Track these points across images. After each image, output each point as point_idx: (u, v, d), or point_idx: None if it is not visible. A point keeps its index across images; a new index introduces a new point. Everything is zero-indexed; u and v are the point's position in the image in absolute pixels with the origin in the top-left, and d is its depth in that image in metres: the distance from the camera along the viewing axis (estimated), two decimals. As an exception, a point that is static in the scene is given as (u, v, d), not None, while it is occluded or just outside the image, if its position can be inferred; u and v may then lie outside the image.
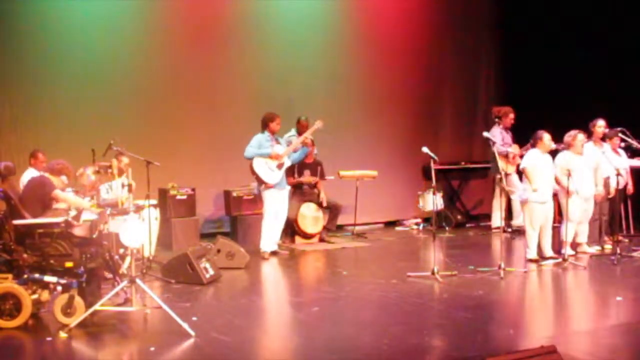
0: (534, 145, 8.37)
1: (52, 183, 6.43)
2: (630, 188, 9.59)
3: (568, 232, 8.33)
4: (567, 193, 8.12)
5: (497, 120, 10.55)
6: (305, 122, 9.70)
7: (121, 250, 7.02)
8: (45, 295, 6.04)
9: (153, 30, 10.29)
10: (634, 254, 8.63)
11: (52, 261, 5.93)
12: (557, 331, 5.97)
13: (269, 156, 8.76)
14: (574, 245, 8.67)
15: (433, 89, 12.24)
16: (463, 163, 12.24)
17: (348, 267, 8.56)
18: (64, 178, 7.25)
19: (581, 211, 8.50)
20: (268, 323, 6.47)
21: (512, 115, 10.46)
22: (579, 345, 5.43)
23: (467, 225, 11.57)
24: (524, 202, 8.26)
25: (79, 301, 5.75)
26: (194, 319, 5.95)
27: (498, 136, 10.07)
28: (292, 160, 9.09)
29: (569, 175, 8.08)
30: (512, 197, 9.84)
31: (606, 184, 8.85)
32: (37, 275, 5.90)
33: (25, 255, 5.94)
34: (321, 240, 9.97)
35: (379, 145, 11.56)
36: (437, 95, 12.30)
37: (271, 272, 8.57)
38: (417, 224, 11.53)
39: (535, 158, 8.23)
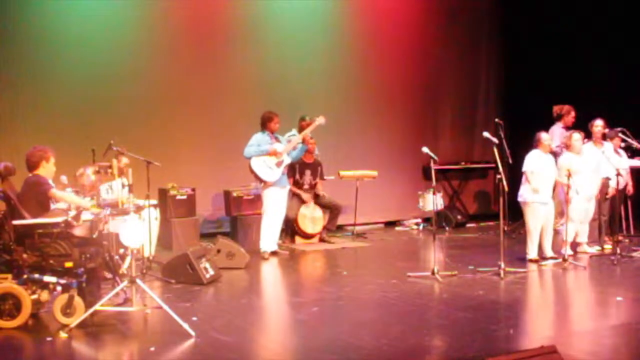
0: (534, 147, 8.35)
1: (47, 182, 6.39)
2: (630, 188, 9.58)
3: (569, 232, 8.32)
4: (568, 194, 8.12)
5: (557, 119, 9.79)
6: (308, 122, 9.70)
7: (121, 250, 7.01)
8: (45, 295, 6.03)
9: (153, 31, 10.30)
10: (634, 254, 8.63)
11: (51, 261, 5.92)
12: (557, 331, 5.97)
13: (268, 153, 8.77)
14: (574, 245, 8.67)
15: (433, 89, 12.24)
16: (463, 163, 12.26)
17: (348, 267, 8.57)
18: (63, 178, 7.24)
19: (582, 211, 8.49)
20: (268, 323, 6.47)
21: (573, 113, 9.67)
22: (579, 345, 5.43)
23: (467, 225, 11.57)
24: (524, 204, 8.25)
25: (78, 301, 5.75)
26: (194, 319, 5.95)
27: (557, 136, 9.40)
28: (291, 158, 9.09)
29: (569, 176, 8.07)
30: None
31: (604, 185, 8.84)
32: (36, 276, 5.90)
33: (24, 256, 5.93)
34: (321, 240, 9.97)
35: (379, 145, 11.56)
36: (437, 95, 12.30)
37: (271, 272, 8.57)
38: (417, 224, 11.53)
39: (537, 159, 8.23)
